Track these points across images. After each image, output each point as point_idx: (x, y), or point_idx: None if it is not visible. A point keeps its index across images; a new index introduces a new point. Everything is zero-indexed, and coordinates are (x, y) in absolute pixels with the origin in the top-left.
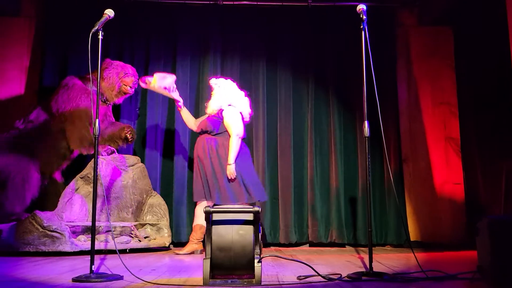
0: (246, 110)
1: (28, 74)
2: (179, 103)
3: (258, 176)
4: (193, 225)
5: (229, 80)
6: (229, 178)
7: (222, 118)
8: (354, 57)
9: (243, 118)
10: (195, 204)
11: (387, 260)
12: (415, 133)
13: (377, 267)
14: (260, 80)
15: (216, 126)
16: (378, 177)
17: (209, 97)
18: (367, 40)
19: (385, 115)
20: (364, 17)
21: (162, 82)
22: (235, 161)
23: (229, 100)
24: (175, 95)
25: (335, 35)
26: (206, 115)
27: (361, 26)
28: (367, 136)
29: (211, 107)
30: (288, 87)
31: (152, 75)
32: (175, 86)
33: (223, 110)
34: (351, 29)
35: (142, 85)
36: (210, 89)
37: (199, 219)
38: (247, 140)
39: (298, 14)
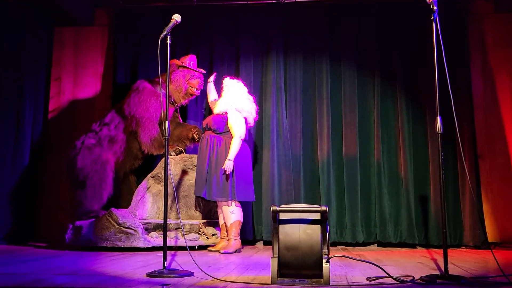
0: (252, 116)
1: (102, 79)
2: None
3: (252, 178)
4: (230, 223)
5: (240, 83)
6: (226, 172)
7: (226, 119)
8: (422, 49)
9: (247, 123)
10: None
11: (463, 263)
12: (492, 127)
13: (452, 270)
14: (323, 76)
15: (221, 126)
16: (451, 175)
17: (219, 96)
18: (438, 32)
19: (458, 109)
20: (435, 7)
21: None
22: (234, 159)
23: (236, 104)
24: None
25: (402, 27)
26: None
27: (432, 17)
28: (440, 132)
29: (219, 107)
30: (353, 82)
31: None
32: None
33: (228, 112)
34: (419, 20)
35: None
36: (221, 88)
37: (234, 216)
38: (310, 138)
39: (362, 7)
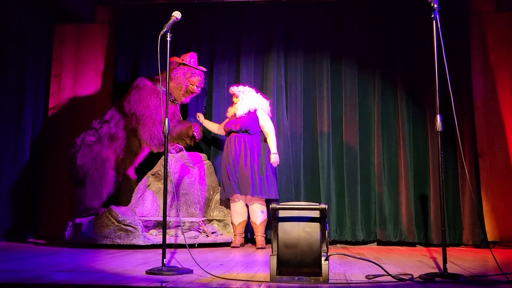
0: (269, 110)
1: (102, 76)
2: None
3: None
4: (260, 221)
5: (247, 86)
6: (274, 165)
7: (257, 118)
8: (422, 47)
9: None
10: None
11: (462, 261)
12: (492, 126)
13: (451, 268)
14: (324, 75)
15: (254, 126)
16: (451, 174)
17: (230, 104)
18: (438, 30)
19: (459, 108)
20: (436, 5)
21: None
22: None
23: (257, 103)
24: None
25: (403, 25)
26: (232, 117)
27: (432, 16)
28: (439, 131)
29: (242, 110)
30: (353, 81)
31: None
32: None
33: (256, 110)
34: (420, 18)
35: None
36: (232, 96)
37: (264, 215)
38: (311, 136)
39: (363, 6)
